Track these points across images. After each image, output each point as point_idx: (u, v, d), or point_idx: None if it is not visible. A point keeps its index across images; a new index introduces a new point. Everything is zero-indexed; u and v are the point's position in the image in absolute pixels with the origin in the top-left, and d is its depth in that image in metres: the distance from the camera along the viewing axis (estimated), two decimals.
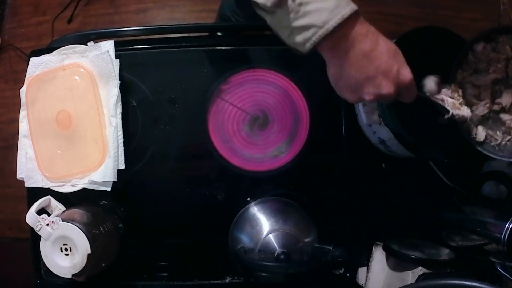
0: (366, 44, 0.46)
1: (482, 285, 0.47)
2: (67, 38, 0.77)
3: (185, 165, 0.75)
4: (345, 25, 0.44)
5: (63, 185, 0.71)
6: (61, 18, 1.55)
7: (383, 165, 0.76)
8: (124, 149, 0.71)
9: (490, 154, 0.63)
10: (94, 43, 0.74)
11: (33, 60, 0.74)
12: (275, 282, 0.68)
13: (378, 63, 0.47)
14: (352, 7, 0.44)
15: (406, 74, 0.49)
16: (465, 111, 0.61)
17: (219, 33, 0.84)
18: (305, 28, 0.45)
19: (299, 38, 0.46)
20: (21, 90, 0.74)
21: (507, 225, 0.60)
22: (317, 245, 0.65)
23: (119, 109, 0.71)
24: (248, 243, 0.66)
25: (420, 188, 0.76)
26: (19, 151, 0.73)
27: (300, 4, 0.44)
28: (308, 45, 0.46)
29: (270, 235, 0.65)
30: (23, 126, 0.73)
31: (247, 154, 0.74)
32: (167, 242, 0.74)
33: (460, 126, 0.63)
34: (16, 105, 0.74)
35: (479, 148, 0.63)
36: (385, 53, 0.47)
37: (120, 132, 0.70)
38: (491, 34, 0.64)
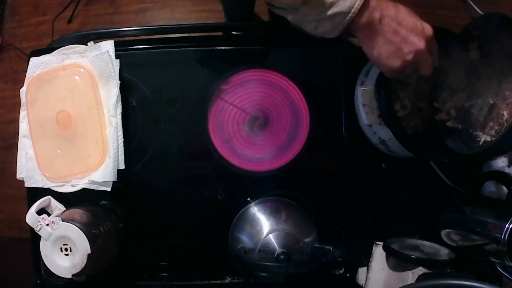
0: (391, 10, 0.52)
1: (482, 285, 0.46)
2: (67, 38, 0.77)
3: (185, 165, 0.75)
4: (369, 2, 0.50)
5: (63, 185, 0.71)
6: (61, 18, 1.55)
7: (383, 165, 0.76)
8: (124, 149, 0.71)
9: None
10: (94, 43, 0.74)
11: (33, 60, 0.74)
12: (275, 282, 0.68)
13: (406, 23, 0.52)
14: None
15: (428, 26, 0.54)
16: None
17: (234, 32, 0.84)
18: (333, 16, 0.50)
19: (327, 27, 0.52)
20: (21, 90, 0.74)
21: (507, 225, 0.60)
22: (317, 245, 0.65)
23: (119, 109, 0.71)
24: (248, 243, 0.66)
25: (420, 188, 0.76)
26: (19, 151, 0.73)
27: None
28: (338, 30, 0.52)
29: (270, 235, 0.65)
30: (23, 126, 0.73)
31: (247, 154, 0.74)
32: (167, 242, 0.74)
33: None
34: (16, 105, 0.74)
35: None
36: (407, 14, 0.53)
37: (120, 132, 0.70)
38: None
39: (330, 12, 0.50)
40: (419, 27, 0.53)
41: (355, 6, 0.49)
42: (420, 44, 0.52)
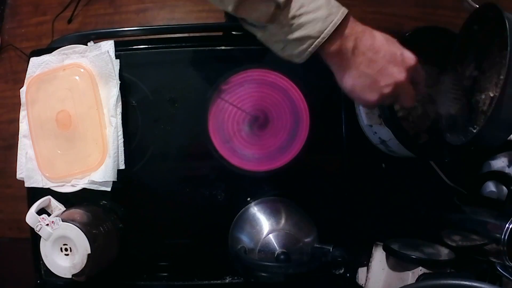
0: (366, 39, 0.47)
1: (482, 285, 0.47)
2: (67, 38, 0.77)
3: (185, 165, 0.75)
4: (341, 29, 0.46)
5: (63, 185, 0.71)
6: (61, 18, 1.55)
7: (383, 165, 0.76)
8: (124, 149, 0.71)
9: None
10: (94, 43, 0.74)
11: (33, 60, 0.74)
12: (275, 282, 0.68)
13: (383, 53, 0.47)
14: (343, 11, 0.46)
15: (410, 55, 0.49)
16: None
17: (234, 32, 0.79)
18: (301, 39, 0.46)
19: (295, 50, 0.47)
20: (21, 90, 0.74)
21: (507, 225, 0.60)
22: (317, 245, 0.65)
23: (119, 109, 0.71)
24: (248, 243, 0.66)
25: (420, 188, 0.76)
26: (19, 151, 0.73)
27: (293, 17, 0.44)
28: (305, 56, 0.47)
29: (270, 235, 0.65)
30: (23, 126, 0.73)
31: (247, 154, 0.74)
32: (167, 242, 0.74)
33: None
34: (16, 105, 0.74)
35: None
36: (385, 43, 0.48)
37: (120, 132, 0.70)
38: None
39: (297, 34, 0.45)
40: (399, 57, 0.48)
41: (325, 31, 0.45)
42: (400, 76, 0.48)
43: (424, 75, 0.55)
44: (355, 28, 0.47)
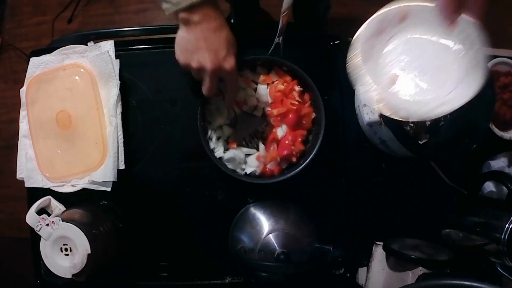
0: (210, 24, 0.57)
1: (482, 285, 0.46)
2: (67, 38, 0.77)
3: (185, 165, 0.75)
4: (197, 7, 0.55)
5: (63, 185, 0.71)
6: (61, 18, 1.55)
7: (383, 165, 0.76)
8: (124, 149, 0.71)
9: None
10: (94, 43, 0.74)
11: (33, 60, 0.74)
12: (275, 282, 0.68)
13: (212, 41, 0.57)
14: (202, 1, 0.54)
15: (231, 62, 0.59)
16: None
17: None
18: (166, 1, 0.56)
19: (164, 5, 0.57)
20: (21, 90, 0.74)
21: (507, 225, 0.60)
22: (317, 245, 0.65)
23: (119, 109, 0.71)
24: (248, 243, 0.66)
25: (420, 188, 0.76)
26: (19, 151, 0.73)
27: None
28: (167, 13, 0.57)
29: (270, 235, 0.65)
30: (23, 126, 0.74)
31: None
32: (167, 242, 0.74)
33: None
34: (16, 105, 0.74)
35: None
36: (223, 39, 0.58)
37: (120, 132, 0.70)
38: None
39: None
40: (221, 55, 0.58)
41: (182, 4, 0.54)
42: (207, 64, 0.57)
43: (235, 88, 0.64)
44: (210, 13, 0.56)
